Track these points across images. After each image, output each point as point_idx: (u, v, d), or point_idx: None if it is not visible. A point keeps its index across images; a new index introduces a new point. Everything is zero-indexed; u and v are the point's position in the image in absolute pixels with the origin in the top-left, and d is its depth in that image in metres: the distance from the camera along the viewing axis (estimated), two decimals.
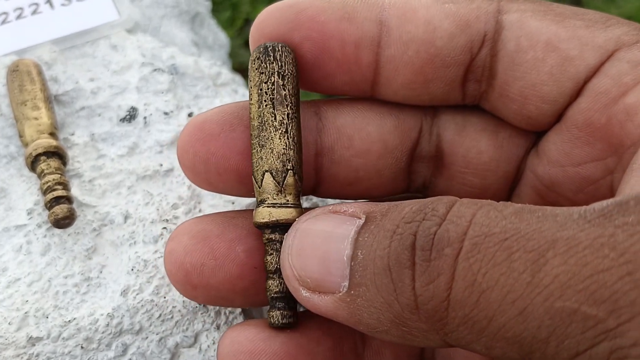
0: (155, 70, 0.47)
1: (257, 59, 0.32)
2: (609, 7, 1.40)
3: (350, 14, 0.32)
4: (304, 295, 0.29)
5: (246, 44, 1.30)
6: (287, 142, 0.32)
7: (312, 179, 0.35)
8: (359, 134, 0.34)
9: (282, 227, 0.32)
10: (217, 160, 0.33)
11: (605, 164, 0.32)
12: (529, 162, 0.35)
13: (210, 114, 0.34)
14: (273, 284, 0.32)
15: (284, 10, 0.32)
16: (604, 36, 0.31)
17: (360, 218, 0.28)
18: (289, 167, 0.31)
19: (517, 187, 0.36)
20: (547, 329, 0.23)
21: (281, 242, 0.31)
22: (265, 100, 0.32)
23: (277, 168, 0.31)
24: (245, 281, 0.33)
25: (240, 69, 0.64)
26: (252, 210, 0.35)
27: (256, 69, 0.32)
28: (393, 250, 0.26)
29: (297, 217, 0.31)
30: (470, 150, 0.35)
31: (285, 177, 0.32)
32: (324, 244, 0.28)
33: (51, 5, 0.49)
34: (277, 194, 0.32)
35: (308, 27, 0.32)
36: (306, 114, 0.34)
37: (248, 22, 1.38)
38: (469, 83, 0.34)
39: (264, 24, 0.33)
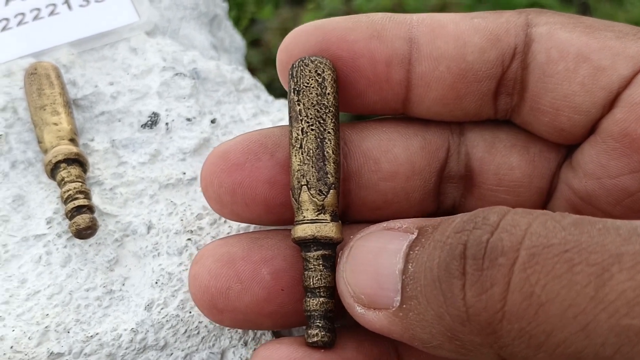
0: (176, 74, 0.45)
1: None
2: (616, 12, 1.39)
3: (379, 32, 0.32)
4: (358, 312, 0.28)
5: (252, 43, 1.28)
6: (302, 158, 0.31)
7: (340, 203, 0.34)
8: (386, 157, 0.34)
9: (321, 242, 0.31)
10: (244, 190, 0.33)
11: None
12: (562, 175, 0.34)
13: (234, 143, 0.33)
14: (312, 302, 0.31)
15: (311, 32, 0.32)
16: (635, 47, 0.30)
17: (412, 233, 0.28)
18: (303, 183, 0.31)
19: (550, 201, 0.35)
20: (612, 346, 0.22)
21: (321, 258, 0.31)
22: (289, 119, 0.32)
23: (296, 184, 0.31)
24: (273, 304, 0.32)
25: (247, 69, 0.63)
26: (277, 229, 0.34)
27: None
28: (442, 261, 0.25)
29: (334, 233, 0.31)
30: (502, 167, 0.35)
31: (299, 192, 0.31)
32: (376, 259, 0.28)
33: (69, 6, 0.47)
34: (313, 210, 0.31)
35: (337, 47, 0.32)
36: None
37: (253, 21, 1.37)
38: (501, 97, 0.33)
39: (292, 47, 0.32)
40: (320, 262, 0.31)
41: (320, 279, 0.31)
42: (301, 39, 0.32)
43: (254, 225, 0.40)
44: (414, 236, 0.27)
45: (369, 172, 0.34)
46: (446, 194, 0.36)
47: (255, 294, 0.32)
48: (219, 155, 0.33)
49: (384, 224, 0.29)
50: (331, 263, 0.31)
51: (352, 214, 0.35)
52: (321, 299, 0.31)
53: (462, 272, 0.25)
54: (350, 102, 0.33)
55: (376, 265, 0.28)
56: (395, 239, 0.28)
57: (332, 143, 0.31)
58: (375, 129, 0.34)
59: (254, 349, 0.37)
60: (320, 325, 0.31)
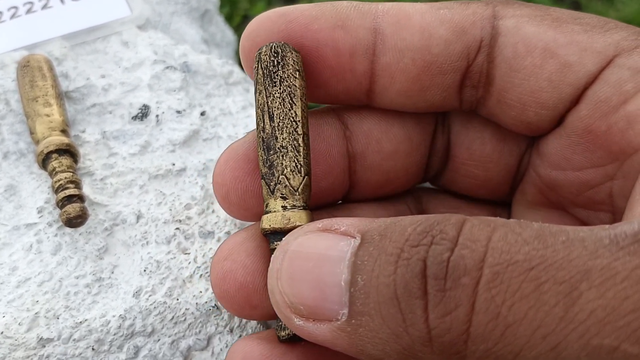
0: (167, 68, 0.46)
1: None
2: (607, 11, 1.40)
3: (343, 21, 0.31)
4: (297, 324, 0.27)
5: None
6: (260, 147, 0.31)
7: (345, 185, 0.34)
8: (387, 136, 0.34)
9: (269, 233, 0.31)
10: None
11: (605, 170, 0.32)
12: (531, 160, 0.35)
13: (250, 142, 0.32)
14: None
15: (275, 19, 0.32)
16: (602, 41, 0.30)
17: (354, 237, 0.26)
18: (264, 172, 0.31)
19: (521, 183, 0.36)
20: None
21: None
22: None
23: (264, 173, 0.31)
24: None
25: (239, 65, 0.64)
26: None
27: None
28: (400, 278, 0.24)
29: (308, 222, 0.30)
30: (475, 141, 0.35)
31: (270, 183, 0.31)
32: (317, 267, 0.26)
33: (62, 0, 0.48)
34: (270, 200, 0.31)
35: (301, 36, 0.31)
36: (330, 122, 0.34)
37: (246, 18, 1.37)
38: (466, 89, 0.33)
39: (255, 34, 0.32)
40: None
41: None
42: (265, 27, 0.32)
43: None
44: (357, 241, 0.26)
45: (373, 152, 0.34)
46: (431, 165, 0.36)
47: None
48: (239, 159, 0.32)
49: (319, 224, 0.27)
50: None
51: (356, 194, 0.35)
52: None
53: (423, 292, 0.24)
54: (313, 92, 0.33)
55: (318, 274, 0.26)
56: (336, 245, 0.26)
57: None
58: (370, 109, 0.34)
59: (240, 336, 0.38)
60: None
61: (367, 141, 0.34)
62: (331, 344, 0.26)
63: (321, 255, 0.26)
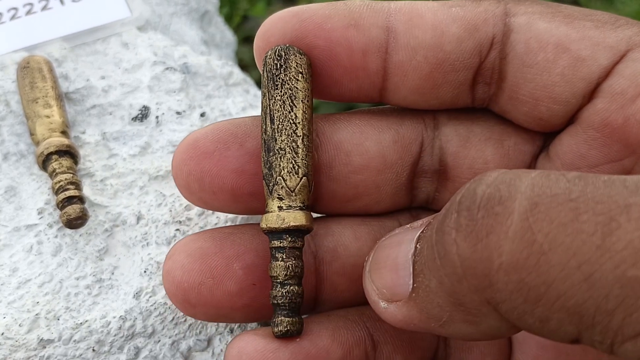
0: (167, 69, 0.46)
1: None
2: (607, 10, 1.40)
3: (356, 20, 0.32)
4: (382, 308, 0.28)
5: (244, 40, 1.29)
6: (263, 149, 0.31)
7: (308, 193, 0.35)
8: (357, 150, 0.34)
9: (288, 232, 0.31)
10: (212, 179, 0.33)
11: (622, 165, 0.32)
12: (539, 166, 0.35)
13: (204, 132, 0.33)
14: (277, 292, 0.31)
15: (288, 19, 0.32)
16: (614, 37, 0.31)
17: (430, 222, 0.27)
18: (265, 173, 0.31)
19: None
20: (615, 299, 0.21)
21: (288, 248, 0.31)
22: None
23: (265, 173, 0.31)
24: (245, 298, 0.33)
25: (239, 66, 0.64)
26: (250, 224, 0.35)
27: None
28: (438, 224, 0.25)
29: (303, 222, 0.31)
30: (476, 161, 0.35)
31: (271, 183, 0.31)
32: (394, 250, 0.28)
33: (61, 1, 0.48)
34: (271, 200, 0.31)
35: (314, 35, 0.32)
36: None
37: (246, 18, 1.37)
38: (478, 86, 0.33)
39: (269, 34, 0.32)
40: (286, 253, 0.31)
41: (284, 268, 0.31)
42: (279, 26, 0.32)
43: (241, 216, 0.40)
44: (428, 221, 0.27)
45: (340, 164, 0.34)
46: (420, 188, 0.36)
47: (227, 288, 0.32)
48: (189, 144, 0.33)
49: (408, 226, 0.29)
50: (296, 253, 0.31)
51: (323, 206, 0.35)
52: (285, 288, 0.31)
53: (454, 227, 0.24)
54: (326, 90, 0.33)
55: (395, 256, 0.28)
56: (413, 232, 0.27)
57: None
58: (347, 122, 0.34)
59: None
60: (284, 315, 0.31)
61: (335, 152, 0.34)
62: (410, 319, 0.27)
63: (399, 241, 0.28)
